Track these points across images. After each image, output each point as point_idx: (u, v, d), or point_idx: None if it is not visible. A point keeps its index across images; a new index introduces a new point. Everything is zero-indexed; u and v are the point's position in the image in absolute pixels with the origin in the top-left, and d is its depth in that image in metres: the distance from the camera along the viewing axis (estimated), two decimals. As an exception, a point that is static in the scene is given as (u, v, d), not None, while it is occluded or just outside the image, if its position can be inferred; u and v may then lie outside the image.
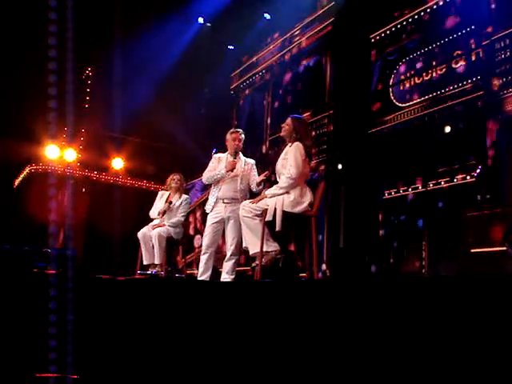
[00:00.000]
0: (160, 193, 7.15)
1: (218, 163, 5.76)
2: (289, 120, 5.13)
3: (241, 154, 5.79)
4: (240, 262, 6.58)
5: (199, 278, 5.60)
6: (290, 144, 5.01)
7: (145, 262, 6.76)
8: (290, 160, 4.86)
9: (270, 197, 4.87)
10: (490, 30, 6.68)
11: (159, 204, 6.98)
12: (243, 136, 5.83)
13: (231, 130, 5.94)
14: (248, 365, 3.10)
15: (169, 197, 6.94)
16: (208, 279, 5.56)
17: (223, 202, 5.61)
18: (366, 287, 2.91)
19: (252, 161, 5.85)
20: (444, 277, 4.90)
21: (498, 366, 2.16)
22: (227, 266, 5.53)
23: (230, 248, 5.54)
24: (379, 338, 2.60)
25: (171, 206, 6.87)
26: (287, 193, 4.82)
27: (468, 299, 2.40)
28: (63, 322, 2.58)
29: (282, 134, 5.16)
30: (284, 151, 5.02)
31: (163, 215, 6.82)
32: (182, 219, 6.94)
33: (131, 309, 3.98)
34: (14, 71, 10.14)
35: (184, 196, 7.04)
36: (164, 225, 6.75)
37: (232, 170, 5.57)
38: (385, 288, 2.82)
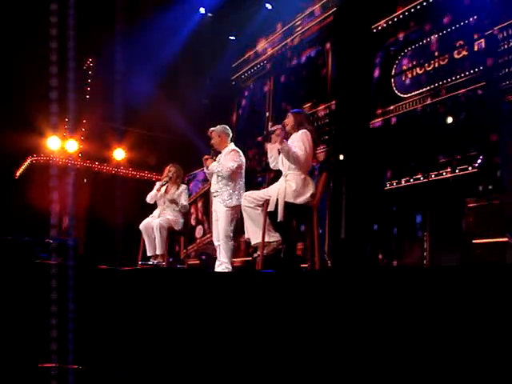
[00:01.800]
0: (158, 183, 7.17)
1: None
2: (289, 115, 5.20)
3: (225, 149, 5.96)
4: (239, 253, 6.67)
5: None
6: (295, 133, 5.02)
7: (148, 254, 6.83)
8: (297, 144, 4.87)
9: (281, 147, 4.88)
10: (492, 20, 6.65)
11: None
12: (214, 133, 6.04)
13: None
14: (249, 355, 3.11)
15: (167, 188, 7.02)
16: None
17: (213, 196, 5.94)
18: (368, 278, 2.91)
19: (228, 148, 5.99)
20: (445, 267, 4.91)
21: (500, 356, 2.17)
22: (218, 252, 5.81)
23: (216, 236, 5.88)
24: (381, 329, 2.60)
25: (168, 182, 7.04)
26: (289, 183, 4.83)
27: (470, 289, 2.40)
28: (65, 312, 2.59)
29: (287, 129, 5.14)
30: (290, 140, 5.01)
31: (160, 188, 7.00)
32: (187, 204, 7.03)
33: (132, 299, 3.98)
34: (15, 62, 10.12)
35: (182, 186, 7.10)
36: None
37: (207, 168, 5.94)
38: (386, 279, 2.82)
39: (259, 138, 5.61)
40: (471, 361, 2.25)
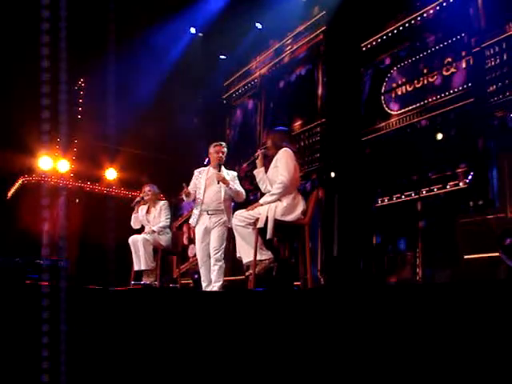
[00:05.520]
0: (140, 208, 7.25)
1: (197, 179, 6.08)
2: (268, 135, 5.35)
3: (222, 167, 5.96)
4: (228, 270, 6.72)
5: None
6: (277, 153, 5.03)
7: (135, 268, 6.85)
8: (281, 166, 4.88)
9: (264, 204, 4.88)
10: (479, 37, 6.74)
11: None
12: (226, 149, 6.06)
13: (214, 143, 6.13)
14: (243, 375, 3.09)
15: (148, 208, 7.11)
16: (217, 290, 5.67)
17: (208, 214, 5.89)
18: (360, 295, 2.90)
19: (234, 173, 6.12)
20: (438, 284, 4.91)
21: (493, 373, 2.16)
22: (213, 274, 5.76)
23: (213, 255, 5.79)
24: (374, 346, 2.59)
25: (140, 202, 7.17)
26: (280, 200, 4.83)
27: (462, 306, 2.40)
28: (56, 333, 2.57)
29: (269, 152, 5.19)
30: (273, 161, 5.04)
31: (136, 209, 7.10)
32: (168, 222, 7.09)
33: (124, 319, 3.96)
34: (6, 82, 10.12)
35: (161, 202, 7.19)
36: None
37: (223, 182, 5.77)
38: (379, 296, 2.82)
39: (251, 157, 5.62)
40: (465, 377, 2.24)
